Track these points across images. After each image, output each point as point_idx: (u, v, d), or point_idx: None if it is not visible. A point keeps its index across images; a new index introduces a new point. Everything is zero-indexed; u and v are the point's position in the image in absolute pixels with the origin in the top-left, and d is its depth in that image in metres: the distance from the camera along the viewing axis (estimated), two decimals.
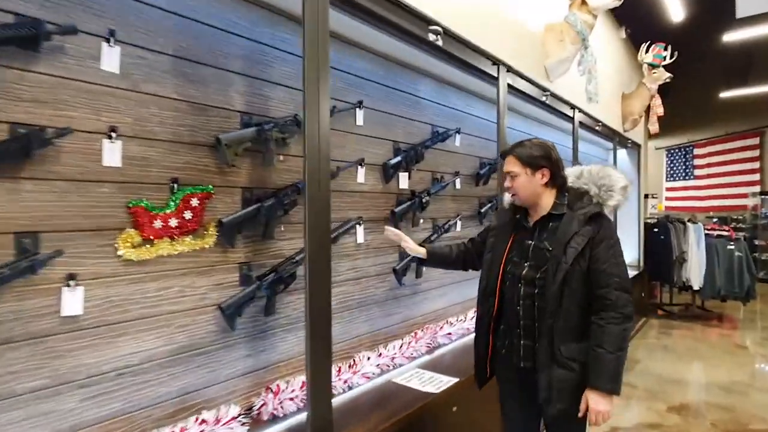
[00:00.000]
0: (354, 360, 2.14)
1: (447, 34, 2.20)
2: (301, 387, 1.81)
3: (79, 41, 1.33)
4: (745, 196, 9.33)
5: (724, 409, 3.44)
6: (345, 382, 1.98)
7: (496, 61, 2.63)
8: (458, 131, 2.98)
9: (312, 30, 1.48)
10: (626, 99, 5.25)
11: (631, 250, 6.15)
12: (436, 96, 2.85)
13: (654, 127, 5.51)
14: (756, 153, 9.25)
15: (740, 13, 4.42)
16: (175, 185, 1.53)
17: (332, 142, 2.10)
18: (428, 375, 2.16)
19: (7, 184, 1.21)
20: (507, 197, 1.76)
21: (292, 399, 1.77)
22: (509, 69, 2.76)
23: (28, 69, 1.25)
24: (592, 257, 1.51)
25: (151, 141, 1.49)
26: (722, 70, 6.70)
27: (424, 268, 2.63)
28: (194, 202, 1.56)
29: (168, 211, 1.50)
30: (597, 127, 4.51)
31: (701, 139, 10.03)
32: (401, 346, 2.38)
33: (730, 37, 5.38)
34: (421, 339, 2.53)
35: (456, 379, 2.11)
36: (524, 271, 1.59)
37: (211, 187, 1.62)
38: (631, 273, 5.58)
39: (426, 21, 2.06)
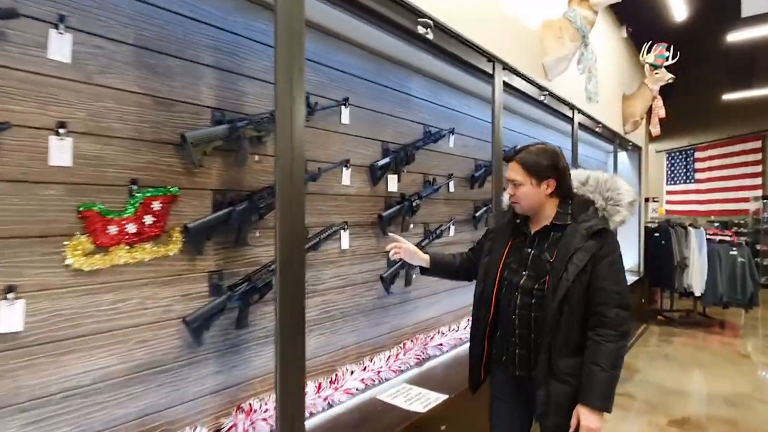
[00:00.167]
0: (336, 375, 2.01)
1: (438, 27, 2.07)
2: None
3: (24, 26, 1.20)
4: (746, 200, 9.20)
5: (727, 422, 3.30)
6: (325, 399, 1.85)
7: (491, 58, 2.50)
8: (452, 131, 2.85)
9: (285, 16, 1.34)
10: (627, 100, 5.12)
11: (631, 255, 6.02)
12: (429, 94, 2.72)
13: (655, 129, 5.38)
14: (758, 156, 9.12)
15: (746, 11, 4.30)
16: (135, 187, 1.40)
17: (314, 141, 1.99)
18: (416, 391, 2.03)
19: None
20: (506, 198, 1.65)
21: (265, 420, 1.63)
22: (505, 66, 2.63)
23: None
24: (594, 273, 1.44)
25: (107, 138, 1.36)
26: (726, 72, 6.58)
27: (414, 276, 2.49)
28: (156, 205, 1.43)
29: (125, 216, 1.37)
30: (597, 129, 4.38)
31: (702, 143, 9.92)
32: (388, 359, 2.24)
33: (735, 37, 5.26)
34: (410, 350, 2.39)
35: (445, 396, 1.98)
36: (522, 280, 1.52)
37: (176, 189, 1.49)
38: (631, 278, 5.47)
39: (415, 13, 1.93)
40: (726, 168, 9.60)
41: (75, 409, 1.30)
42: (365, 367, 2.12)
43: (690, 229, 5.91)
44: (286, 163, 1.35)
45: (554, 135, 4.33)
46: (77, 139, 1.29)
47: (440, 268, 1.82)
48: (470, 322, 1.70)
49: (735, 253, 5.70)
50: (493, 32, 2.51)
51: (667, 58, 4.83)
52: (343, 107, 2.11)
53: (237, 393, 1.69)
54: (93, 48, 1.33)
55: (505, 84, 2.69)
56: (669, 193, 10.58)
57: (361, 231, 2.25)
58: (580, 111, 3.83)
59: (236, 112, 1.68)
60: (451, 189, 2.90)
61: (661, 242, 5.99)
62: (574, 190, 1.59)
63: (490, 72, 2.52)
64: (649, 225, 6.42)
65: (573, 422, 1.45)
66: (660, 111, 5.21)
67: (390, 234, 1.83)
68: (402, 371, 2.25)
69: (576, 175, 1.61)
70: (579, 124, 3.93)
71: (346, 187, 2.15)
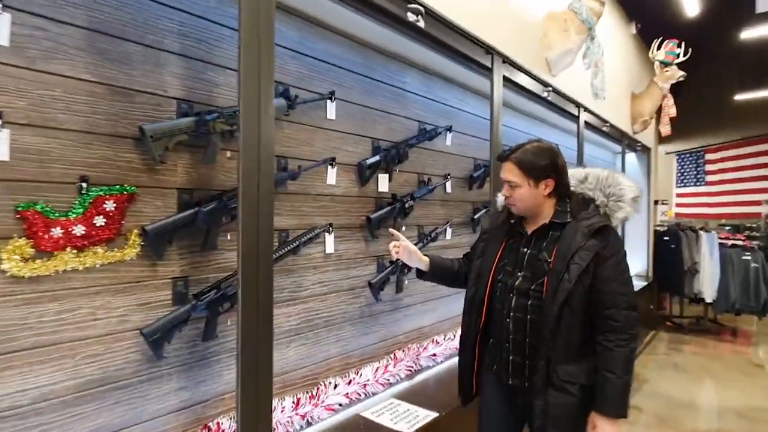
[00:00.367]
0: (318, 389, 1.86)
1: (431, 15, 1.92)
2: None
3: None
4: (759, 203, 8.93)
5: None
6: (304, 416, 1.70)
7: (489, 50, 2.34)
8: (449, 129, 2.69)
9: None
10: (636, 99, 4.93)
11: (639, 259, 5.82)
12: (424, 89, 2.56)
13: (666, 129, 5.18)
14: None
15: (761, 7, 4.10)
16: (84, 185, 1.26)
17: (296, 137, 1.85)
18: (404, 407, 1.87)
19: None
20: (500, 198, 1.56)
21: None
22: (505, 60, 2.47)
23: None
24: (598, 275, 1.36)
25: (53, 131, 1.22)
26: (739, 71, 6.36)
27: (406, 282, 2.34)
28: (109, 205, 1.29)
29: (72, 217, 1.23)
30: (604, 128, 4.20)
31: (713, 144, 9.66)
32: (376, 371, 2.09)
33: (749, 34, 5.06)
34: (401, 361, 2.24)
35: (435, 414, 1.82)
36: (517, 281, 1.44)
37: (133, 187, 1.35)
38: (640, 283, 5.27)
39: None
40: (738, 170, 9.32)
41: None
42: (350, 380, 1.97)
43: (701, 232, 5.71)
44: (252, 160, 1.22)
45: (559, 134, 4.16)
46: (16, 131, 1.16)
47: (439, 273, 1.67)
48: (461, 327, 1.58)
49: (748, 257, 5.49)
50: (492, 23, 2.36)
51: (678, 55, 4.63)
52: (328, 101, 1.97)
53: (204, 411, 1.55)
54: (35, 30, 1.19)
55: (506, 79, 2.53)
56: (679, 195, 10.31)
57: (349, 234, 2.11)
58: (586, 109, 3.65)
59: (206, 104, 1.54)
60: (448, 190, 2.74)
61: (670, 246, 5.79)
62: (572, 189, 1.50)
63: (489, 65, 2.36)
64: (659, 228, 6.21)
65: (589, 430, 1.40)
66: (671, 110, 5.01)
67: (391, 230, 1.68)
68: (391, 384, 2.10)
69: (573, 174, 1.52)
70: (585, 123, 3.76)
71: (332, 187, 2.01)
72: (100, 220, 1.27)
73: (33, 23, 1.19)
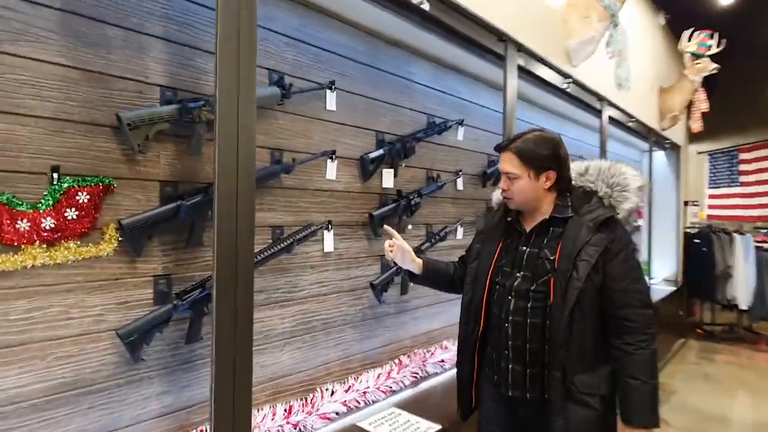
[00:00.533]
0: (314, 395, 1.75)
1: None
2: None
3: None
4: None
5: None
6: (296, 425, 1.59)
7: (503, 37, 2.20)
8: (461, 123, 2.56)
9: None
10: (665, 93, 4.68)
11: (668, 263, 5.54)
12: (434, 81, 2.44)
13: (697, 125, 4.91)
14: None
15: None
16: (56, 175, 1.18)
17: (292, 129, 1.75)
18: (404, 418, 1.75)
19: None
20: (497, 195, 1.48)
21: None
22: (520, 48, 2.32)
23: None
24: (608, 273, 1.26)
25: (21, 117, 1.15)
26: None
27: (411, 283, 2.21)
28: (82, 197, 1.21)
29: (41, 209, 1.15)
30: (630, 124, 3.98)
31: (748, 143, 9.18)
32: (378, 377, 1.97)
33: None
34: (406, 367, 2.12)
35: (437, 427, 1.69)
36: (516, 282, 1.32)
37: (109, 179, 1.27)
38: (668, 288, 5.00)
39: None
40: None
41: None
42: (349, 387, 1.86)
43: (735, 235, 5.39)
44: (229, 151, 1.12)
45: (580, 130, 3.96)
46: None
47: (432, 276, 1.56)
48: (457, 338, 1.47)
49: None
50: (505, 8, 2.21)
51: (710, 47, 4.38)
52: (328, 91, 1.86)
53: (189, 417, 1.46)
54: (4, 10, 1.12)
55: (521, 69, 2.39)
56: (711, 197, 9.85)
57: (350, 232, 2.00)
58: (610, 103, 3.46)
59: (192, 92, 1.45)
60: (459, 187, 2.60)
61: (701, 249, 5.48)
62: (572, 183, 1.41)
63: (502, 53, 2.22)
64: (689, 230, 5.90)
65: None
66: (702, 105, 4.74)
67: (386, 227, 1.56)
68: (393, 392, 1.97)
69: (573, 167, 1.42)
70: (609, 118, 3.56)
71: (332, 182, 1.90)
72: (72, 213, 1.19)
73: (1, 3, 1.11)
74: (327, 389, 1.80)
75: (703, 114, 4.92)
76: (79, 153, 1.24)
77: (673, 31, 4.91)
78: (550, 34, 2.60)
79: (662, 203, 5.33)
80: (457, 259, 1.62)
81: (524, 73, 2.45)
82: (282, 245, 1.61)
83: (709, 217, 8.81)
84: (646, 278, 5.05)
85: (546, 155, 1.31)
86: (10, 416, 1.14)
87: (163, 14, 1.40)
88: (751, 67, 5.88)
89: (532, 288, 1.29)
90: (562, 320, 1.23)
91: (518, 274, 1.33)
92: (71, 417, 1.23)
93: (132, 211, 1.32)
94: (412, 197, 2.18)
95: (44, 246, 1.16)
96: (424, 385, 2.09)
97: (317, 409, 1.68)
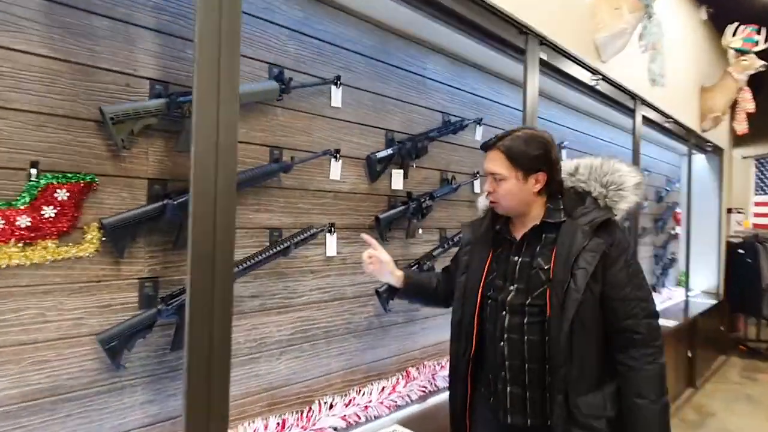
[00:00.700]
0: (310, 408, 1.65)
1: None
2: None
3: None
4: None
5: None
6: None
7: (524, 30, 2.05)
8: (479, 122, 2.42)
9: None
10: (706, 93, 4.37)
11: (708, 274, 5.18)
12: (449, 77, 2.31)
13: (741, 127, 4.57)
14: None
15: None
16: (34, 171, 1.13)
17: (292, 126, 1.66)
18: None
19: None
20: (482, 201, 1.38)
21: None
22: (543, 41, 2.17)
23: None
24: (608, 280, 1.16)
25: None
26: None
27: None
28: (61, 194, 1.15)
29: (17, 206, 1.10)
30: (667, 125, 3.73)
31: None
32: (382, 390, 1.86)
33: None
34: (414, 381, 1.99)
35: None
36: (510, 296, 1.22)
37: (92, 176, 1.21)
38: (708, 302, 4.68)
39: None
40: None
41: None
42: (350, 400, 1.75)
43: None
44: (207, 147, 1.04)
45: (611, 131, 3.75)
46: None
47: (414, 291, 1.46)
48: (448, 359, 1.36)
49: None
50: None
51: (756, 43, 4.06)
52: (333, 87, 1.77)
53: (174, 427, 1.38)
54: None
55: (544, 64, 2.23)
56: (758, 204, 9.26)
57: (355, 235, 1.89)
58: (644, 102, 3.23)
59: (184, 85, 1.38)
60: (477, 189, 2.46)
61: (746, 260, 5.11)
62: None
63: (522, 47, 2.07)
64: (732, 240, 5.52)
65: None
66: (747, 105, 4.41)
67: (363, 236, 1.46)
68: (398, 407, 1.85)
69: (562, 166, 1.31)
70: (643, 118, 3.33)
71: (336, 183, 1.80)
72: (49, 211, 1.14)
73: None
74: (326, 402, 1.70)
75: (749, 115, 4.57)
76: (61, 148, 1.18)
77: (716, 26, 4.60)
78: (576, 27, 2.43)
79: (703, 210, 4.99)
80: (440, 270, 1.50)
81: (547, 68, 2.29)
82: (277, 248, 1.52)
83: (755, 225, 8.26)
84: (681, 289, 4.74)
85: (536, 155, 1.20)
86: None
87: (154, 5, 1.33)
88: None
89: (527, 302, 1.18)
90: (561, 336, 1.12)
91: (511, 287, 1.22)
92: (47, 425, 1.18)
93: (117, 210, 1.26)
94: (423, 200, 2.06)
95: (20, 245, 1.11)
96: (433, 401, 1.96)
97: (313, 424, 1.58)
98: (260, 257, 1.47)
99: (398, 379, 1.97)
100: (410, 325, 2.14)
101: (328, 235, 1.76)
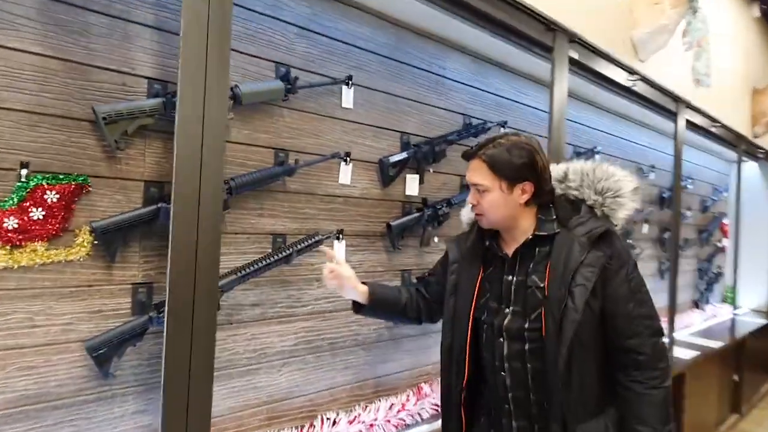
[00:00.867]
0: (312, 424, 1.57)
1: None
2: None
3: None
4: None
5: None
6: None
7: (551, 26, 1.92)
8: (503, 125, 2.29)
9: None
10: (759, 95, 4.05)
11: (758, 290, 4.79)
12: (471, 77, 2.19)
13: None
14: None
15: None
16: (24, 172, 1.10)
17: (299, 127, 1.59)
18: None
19: None
20: (466, 213, 1.30)
21: None
22: (573, 39, 2.02)
23: None
24: (608, 295, 1.08)
25: None
26: None
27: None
28: (50, 196, 1.12)
29: (3, 208, 1.07)
30: (713, 129, 3.46)
31: None
32: (390, 407, 1.76)
33: None
34: (426, 398, 1.88)
35: None
36: (506, 320, 1.13)
37: (84, 177, 1.18)
38: (758, 321, 4.33)
39: None
40: None
41: None
42: (355, 417, 1.66)
43: None
44: (191, 146, 0.98)
45: (651, 136, 3.51)
46: None
47: (381, 307, 1.33)
48: (439, 387, 1.26)
49: None
50: None
51: None
52: (344, 87, 1.69)
53: None
54: None
55: (574, 63, 2.08)
56: None
57: (366, 243, 1.81)
58: (687, 105, 3.00)
59: None
60: None
61: None
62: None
63: (550, 44, 1.94)
64: None
65: None
66: None
67: (323, 248, 1.36)
68: (407, 426, 1.75)
69: (552, 174, 1.21)
70: (687, 122, 3.10)
71: (346, 187, 1.72)
72: (38, 213, 1.10)
73: None
74: (328, 418, 1.61)
75: None
76: (54, 149, 1.15)
77: None
78: (611, 23, 2.27)
79: (753, 222, 4.63)
80: (412, 281, 1.39)
81: (578, 67, 2.14)
82: (278, 256, 1.45)
83: None
84: (728, 306, 4.41)
85: (520, 164, 1.10)
86: None
87: (155, 1, 1.29)
88: None
89: (526, 326, 1.09)
90: (559, 360, 1.03)
91: (507, 310, 1.13)
92: None
93: (111, 213, 1.22)
94: (439, 206, 1.96)
95: (7, 248, 1.08)
96: None
97: None
98: (259, 265, 1.40)
99: (408, 396, 1.86)
100: (424, 338, 2.03)
101: (336, 242, 1.68)
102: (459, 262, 1.24)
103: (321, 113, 1.65)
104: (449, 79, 2.09)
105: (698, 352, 3.08)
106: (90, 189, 1.19)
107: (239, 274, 1.37)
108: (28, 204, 1.09)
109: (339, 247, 1.69)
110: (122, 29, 1.24)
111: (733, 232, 4.40)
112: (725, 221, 4.75)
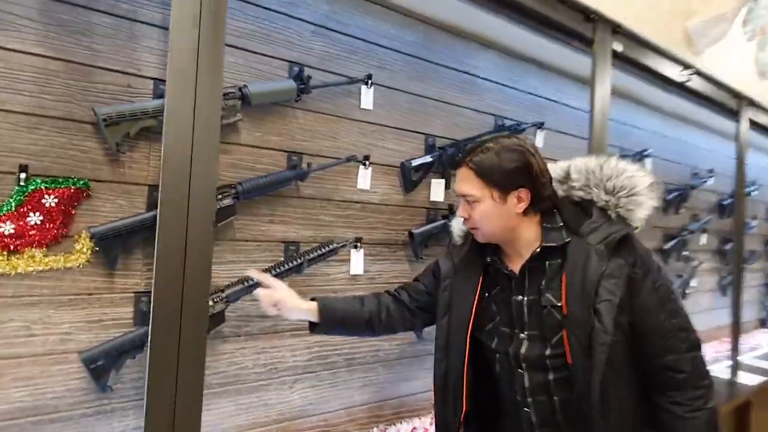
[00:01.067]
0: None
1: None
2: None
3: None
4: None
5: None
6: None
7: (591, 16, 1.75)
8: (540, 126, 2.12)
9: None
10: None
11: None
12: (503, 76, 2.05)
13: None
14: None
15: None
16: (23, 175, 1.07)
17: (313, 129, 1.51)
18: None
19: None
20: (457, 225, 1.17)
21: None
22: (616, 29, 1.84)
23: None
24: (636, 308, 0.95)
25: None
26: None
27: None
28: (49, 201, 1.08)
29: (1, 212, 1.04)
30: None
31: None
32: (413, 430, 1.63)
33: None
34: None
35: None
36: (524, 348, 0.99)
37: (84, 181, 1.13)
38: None
39: None
40: None
41: None
42: None
43: None
44: (179, 148, 0.90)
45: (710, 137, 3.21)
46: None
47: (336, 322, 1.17)
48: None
49: None
50: None
51: None
52: (363, 86, 1.60)
53: None
54: None
55: (618, 57, 1.90)
56: None
57: (387, 252, 1.70)
58: (751, 102, 2.71)
59: None
60: None
61: None
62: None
63: (589, 36, 1.77)
64: None
65: None
66: None
67: (252, 272, 1.20)
68: None
69: (553, 174, 1.06)
70: (750, 122, 2.80)
71: (365, 193, 1.63)
72: (35, 218, 1.07)
73: None
74: None
75: None
76: (54, 152, 1.12)
77: None
78: (660, 13, 2.06)
79: None
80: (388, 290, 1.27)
81: (623, 62, 1.95)
82: (288, 265, 1.37)
83: None
84: None
85: (512, 169, 0.96)
86: None
87: (161, 0, 1.25)
88: None
89: (547, 353, 0.95)
90: (591, 389, 0.90)
91: (522, 335, 0.99)
92: None
93: (113, 218, 1.18)
94: None
95: (4, 254, 1.05)
96: None
97: None
98: (275, 272, 1.32)
99: (432, 418, 1.72)
100: None
101: (353, 250, 1.58)
102: (451, 278, 1.11)
103: (338, 114, 1.56)
104: (479, 77, 1.95)
105: (765, 378, 2.75)
106: (91, 193, 1.15)
107: (246, 284, 1.29)
108: (25, 208, 1.06)
109: (357, 257, 1.59)
110: (128, 29, 1.20)
111: None
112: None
